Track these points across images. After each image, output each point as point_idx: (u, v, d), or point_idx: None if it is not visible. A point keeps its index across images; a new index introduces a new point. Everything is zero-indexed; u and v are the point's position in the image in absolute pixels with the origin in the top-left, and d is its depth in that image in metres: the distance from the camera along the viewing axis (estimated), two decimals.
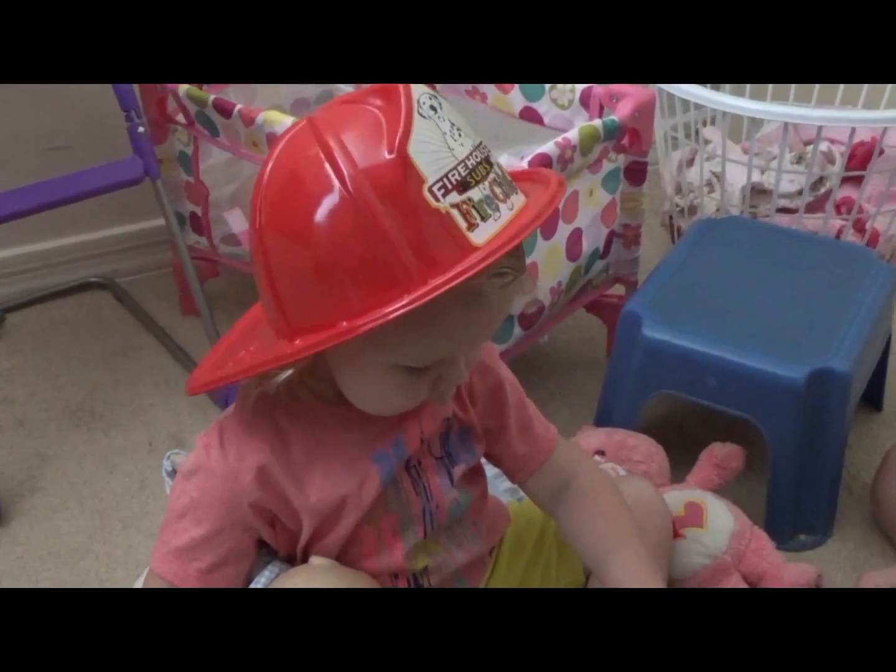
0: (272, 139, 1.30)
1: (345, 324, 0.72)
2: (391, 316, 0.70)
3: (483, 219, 0.71)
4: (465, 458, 0.92)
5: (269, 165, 0.75)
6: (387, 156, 0.70)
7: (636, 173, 1.39)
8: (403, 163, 0.70)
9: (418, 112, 0.72)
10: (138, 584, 0.96)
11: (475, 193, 0.72)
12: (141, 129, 1.38)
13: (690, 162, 1.72)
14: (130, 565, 1.20)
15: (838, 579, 1.17)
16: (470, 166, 0.72)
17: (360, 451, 0.86)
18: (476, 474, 0.96)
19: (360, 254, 0.71)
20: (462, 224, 0.71)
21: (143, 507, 1.28)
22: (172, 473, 1.00)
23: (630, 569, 0.91)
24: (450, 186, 0.70)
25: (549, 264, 1.31)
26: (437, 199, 0.70)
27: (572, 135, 1.25)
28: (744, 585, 1.09)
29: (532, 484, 0.97)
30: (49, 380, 1.52)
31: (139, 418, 1.43)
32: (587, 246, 1.37)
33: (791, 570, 1.09)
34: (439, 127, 0.72)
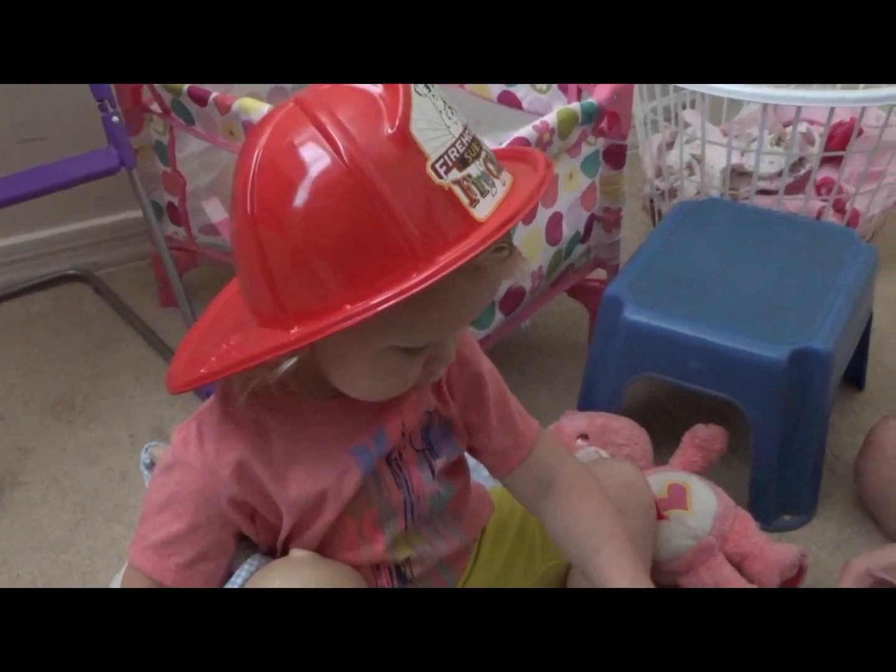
0: (249, 127, 1.29)
1: (349, 307, 0.70)
2: (409, 293, 0.69)
3: (482, 194, 0.72)
4: (447, 452, 0.91)
5: (259, 150, 0.72)
6: (388, 131, 0.69)
7: (615, 156, 1.39)
8: (406, 140, 0.69)
9: (415, 90, 0.71)
10: (119, 578, 0.96)
11: (473, 170, 0.72)
12: (115, 118, 1.36)
13: (670, 145, 1.72)
14: (113, 558, 1.19)
15: (822, 558, 1.17)
16: (465, 143, 0.72)
17: (340, 444, 0.85)
18: (458, 468, 0.95)
19: (363, 231, 0.69)
20: (465, 200, 0.71)
21: (124, 499, 1.28)
22: (151, 466, 1.00)
23: (617, 567, 0.91)
24: (450, 163, 0.70)
25: (529, 249, 1.30)
26: (440, 177, 0.70)
27: (550, 118, 1.24)
28: (728, 566, 1.09)
29: (513, 479, 0.96)
30: (28, 373, 1.51)
31: (119, 411, 1.42)
32: (567, 230, 1.36)
33: (775, 550, 1.09)
34: (434, 105, 0.72)
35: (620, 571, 0.90)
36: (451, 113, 0.73)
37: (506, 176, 0.75)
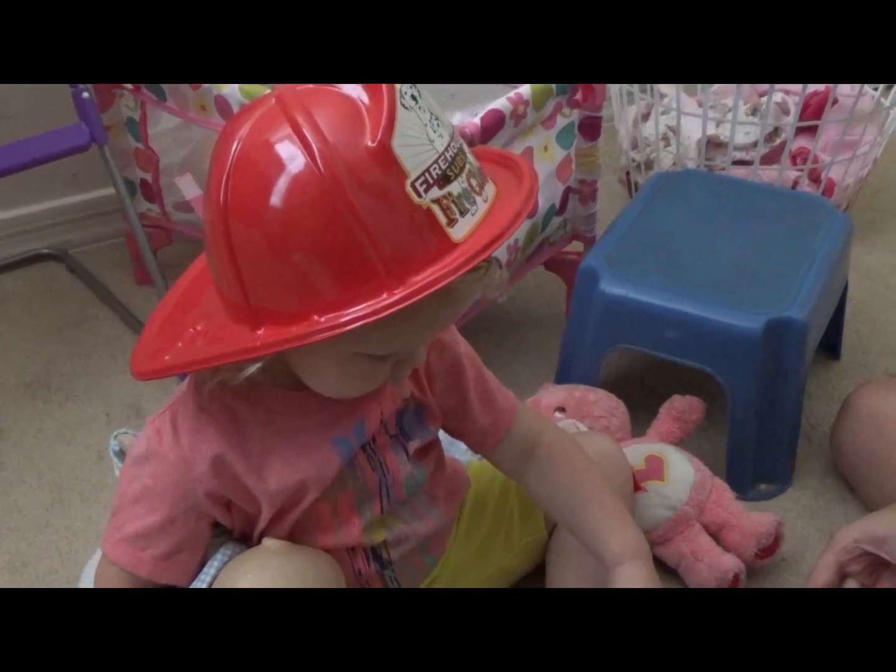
0: (220, 102, 1.28)
1: (316, 317, 0.70)
2: (378, 315, 0.68)
3: (461, 214, 0.70)
4: (420, 435, 0.91)
5: (237, 142, 0.71)
6: (368, 144, 0.68)
7: (590, 128, 1.38)
8: (386, 156, 0.68)
9: (401, 103, 0.69)
10: (93, 563, 0.95)
11: (455, 187, 0.70)
12: (86, 94, 1.35)
13: (646, 116, 1.72)
14: (91, 537, 1.18)
15: (799, 526, 1.17)
16: (449, 158, 0.70)
17: (319, 435, 0.85)
18: (431, 448, 0.95)
19: (334, 241, 0.68)
20: (443, 220, 0.69)
21: (101, 478, 1.27)
22: (120, 454, 0.99)
23: (603, 520, 0.91)
24: (431, 181, 0.69)
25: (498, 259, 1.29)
26: (419, 195, 0.68)
27: (525, 90, 1.24)
28: (705, 536, 1.10)
29: (498, 454, 0.97)
30: (2, 353, 1.49)
31: (95, 390, 1.41)
32: (543, 202, 1.36)
33: (751, 519, 1.10)
34: (420, 118, 0.70)
35: (606, 523, 0.91)
36: (438, 125, 0.71)
37: (489, 188, 0.74)
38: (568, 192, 1.42)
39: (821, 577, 0.91)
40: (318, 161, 0.68)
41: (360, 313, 0.69)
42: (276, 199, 0.69)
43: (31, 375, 1.45)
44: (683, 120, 1.60)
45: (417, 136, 0.69)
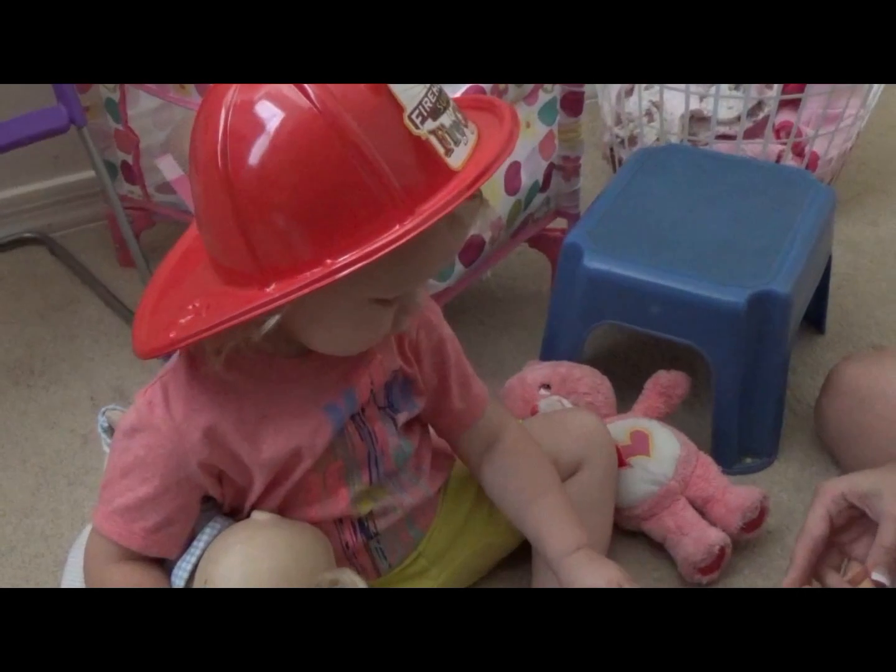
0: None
1: (329, 261, 0.70)
2: (397, 244, 0.69)
3: (455, 144, 0.72)
4: (407, 408, 0.92)
5: (227, 107, 0.71)
6: (367, 90, 0.70)
7: (573, 103, 1.38)
8: (381, 91, 0.70)
9: None
10: (82, 539, 0.95)
11: (445, 119, 0.72)
12: None
13: (629, 92, 1.71)
14: (76, 521, 1.18)
15: (784, 499, 1.18)
16: (436, 92, 0.72)
17: (311, 403, 0.85)
18: (417, 425, 0.96)
19: (342, 181, 0.69)
20: (440, 150, 0.71)
21: (86, 461, 1.27)
22: (108, 430, 0.99)
23: (549, 519, 0.94)
24: (425, 113, 0.71)
25: (488, 199, 1.29)
26: (416, 127, 0.70)
27: None
28: (690, 510, 1.10)
29: (463, 440, 0.98)
30: None
31: (79, 373, 1.41)
32: (526, 179, 1.36)
33: (737, 493, 1.10)
34: None
35: (552, 522, 0.93)
36: None
37: (471, 126, 0.76)
38: (551, 168, 1.41)
39: (816, 529, 0.93)
40: (318, 104, 0.69)
41: (378, 244, 0.70)
42: (280, 151, 0.70)
43: (15, 359, 1.44)
44: (667, 95, 1.60)
45: None
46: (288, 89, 0.70)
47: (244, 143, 0.71)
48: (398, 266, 0.73)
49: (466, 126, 0.74)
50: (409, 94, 0.71)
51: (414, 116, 0.70)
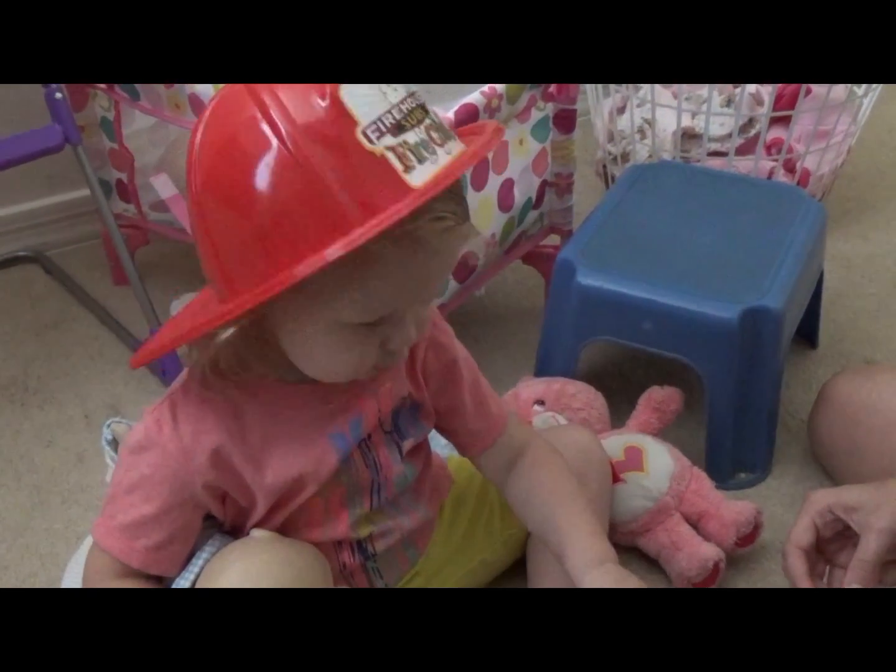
0: (194, 100, 1.27)
1: (282, 276, 0.70)
2: (327, 259, 0.68)
3: (420, 161, 0.71)
4: (414, 434, 0.92)
5: (201, 128, 0.73)
6: (321, 103, 0.69)
7: (565, 121, 1.39)
8: (336, 107, 0.69)
9: None
10: (79, 556, 0.95)
11: (411, 136, 0.71)
12: (58, 94, 1.33)
13: (621, 109, 1.72)
14: (71, 539, 1.18)
15: (778, 514, 1.18)
16: (404, 110, 0.71)
17: (317, 430, 0.85)
18: (421, 447, 0.96)
19: (300, 207, 0.69)
20: (398, 166, 0.70)
21: (81, 480, 1.26)
22: (113, 443, 0.99)
23: (574, 529, 0.92)
24: (384, 129, 0.70)
25: (482, 216, 1.30)
26: (371, 142, 0.69)
27: (498, 84, 1.24)
28: (684, 525, 1.10)
29: (484, 459, 0.98)
30: None
31: (74, 391, 1.41)
32: (519, 196, 1.36)
33: (731, 508, 1.11)
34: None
35: (578, 535, 0.91)
36: (394, 84, 0.72)
37: (454, 144, 0.74)
38: (544, 185, 1.42)
39: (803, 538, 0.94)
40: (287, 141, 0.69)
41: (313, 259, 0.69)
42: (245, 181, 0.70)
43: (9, 378, 1.44)
44: (659, 112, 1.61)
45: (367, 89, 0.71)
46: (256, 120, 0.70)
47: (207, 160, 0.73)
48: (356, 286, 0.72)
49: (443, 145, 0.73)
50: (366, 110, 0.70)
51: (369, 132, 0.69)
